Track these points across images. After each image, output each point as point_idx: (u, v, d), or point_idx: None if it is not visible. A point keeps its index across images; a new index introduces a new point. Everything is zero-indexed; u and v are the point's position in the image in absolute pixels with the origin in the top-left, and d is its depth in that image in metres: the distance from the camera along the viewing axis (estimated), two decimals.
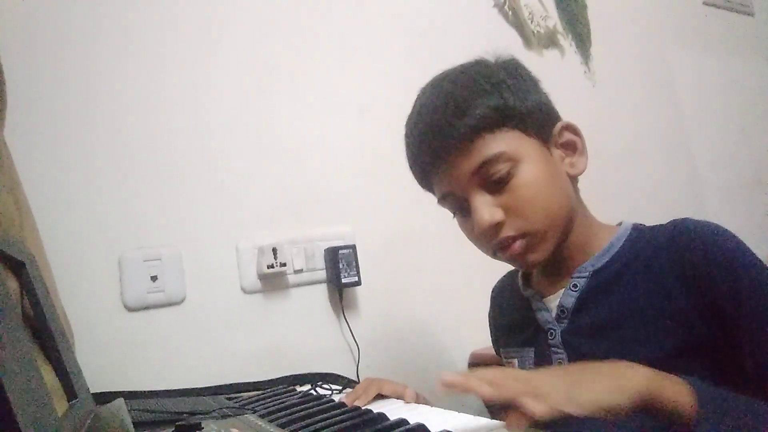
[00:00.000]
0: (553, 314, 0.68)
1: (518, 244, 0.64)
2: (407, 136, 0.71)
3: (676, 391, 0.48)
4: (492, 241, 0.65)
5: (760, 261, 0.59)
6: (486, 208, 0.63)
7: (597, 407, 0.44)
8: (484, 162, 0.63)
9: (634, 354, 0.59)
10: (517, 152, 0.63)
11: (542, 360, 0.70)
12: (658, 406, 0.47)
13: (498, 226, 0.63)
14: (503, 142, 0.63)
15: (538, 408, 0.41)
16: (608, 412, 0.45)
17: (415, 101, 0.71)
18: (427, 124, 0.66)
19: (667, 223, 0.65)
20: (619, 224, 0.70)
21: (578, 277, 0.67)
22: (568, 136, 0.69)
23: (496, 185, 0.63)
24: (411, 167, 0.72)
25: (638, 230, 0.68)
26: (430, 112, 0.66)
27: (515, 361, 0.75)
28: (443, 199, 0.70)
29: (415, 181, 0.74)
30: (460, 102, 0.63)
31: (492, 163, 0.62)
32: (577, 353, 0.65)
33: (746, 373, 0.57)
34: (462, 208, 0.68)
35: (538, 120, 0.66)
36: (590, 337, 0.64)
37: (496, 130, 0.63)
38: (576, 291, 0.66)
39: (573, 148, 0.69)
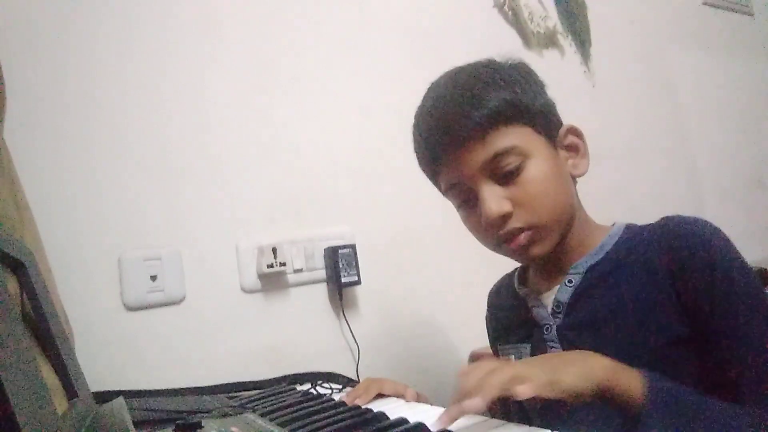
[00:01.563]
0: (549, 310, 0.70)
1: (523, 236, 0.65)
2: (417, 125, 0.71)
3: (630, 383, 0.52)
4: (498, 232, 0.65)
5: (743, 263, 0.60)
6: (494, 198, 0.64)
7: (568, 392, 0.49)
8: (497, 153, 0.63)
9: (628, 346, 0.61)
10: (528, 148, 0.65)
11: (538, 355, 0.70)
12: (613, 394, 0.51)
13: (505, 218, 0.64)
14: (515, 137, 0.64)
15: (526, 391, 0.46)
16: (575, 396, 0.49)
17: (427, 92, 0.71)
18: (442, 113, 0.66)
19: (659, 219, 0.67)
20: (613, 225, 0.72)
21: (573, 274, 0.68)
22: (572, 138, 0.71)
23: (506, 178, 0.64)
24: (420, 157, 0.73)
25: (631, 229, 0.70)
26: (445, 102, 0.67)
27: (512, 357, 0.76)
28: (450, 190, 0.70)
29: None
30: (476, 94, 0.64)
31: (504, 156, 0.64)
32: (572, 347, 0.66)
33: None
34: (468, 200, 0.68)
35: (546, 120, 0.68)
36: (585, 330, 0.66)
37: (509, 124, 0.64)
38: (571, 286, 0.68)
39: (576, 150, 0.71)
